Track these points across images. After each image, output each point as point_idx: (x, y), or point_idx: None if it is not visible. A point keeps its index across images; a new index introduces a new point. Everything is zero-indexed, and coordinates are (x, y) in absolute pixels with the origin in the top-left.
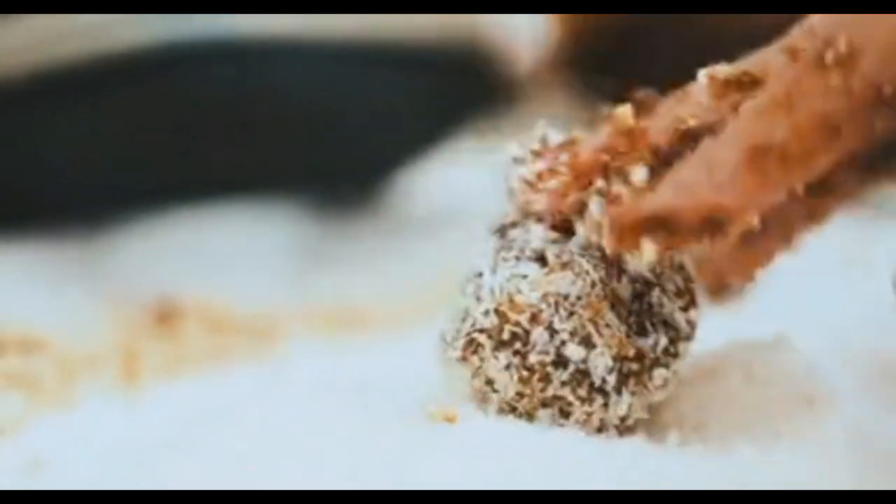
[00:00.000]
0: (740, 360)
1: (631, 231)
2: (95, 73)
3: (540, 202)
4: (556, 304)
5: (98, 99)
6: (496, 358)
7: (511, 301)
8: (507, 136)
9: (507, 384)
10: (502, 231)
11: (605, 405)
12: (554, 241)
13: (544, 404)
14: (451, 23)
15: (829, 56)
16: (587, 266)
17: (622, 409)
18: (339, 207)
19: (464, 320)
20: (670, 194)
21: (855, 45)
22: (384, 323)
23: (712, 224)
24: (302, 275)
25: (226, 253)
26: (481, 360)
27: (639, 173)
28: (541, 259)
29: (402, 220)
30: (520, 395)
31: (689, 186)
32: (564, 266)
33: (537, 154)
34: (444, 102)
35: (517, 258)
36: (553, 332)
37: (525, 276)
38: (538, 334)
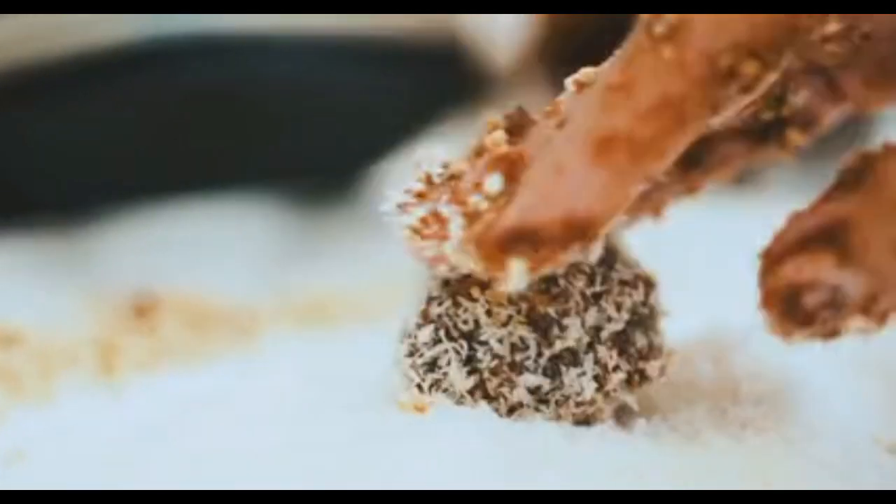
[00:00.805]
0: (712, 348)
1: (495, 251)
2: (73, 69)
3: (429, 249)
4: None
5: (76, 95)
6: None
7: None
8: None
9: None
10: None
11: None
12: None
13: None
14: (429, 19)
15: (658, 29)
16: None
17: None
18: (318, 201)
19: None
20: (526, 206)
21: (684, 15)
22: (361, 315)
23: (576, 231)
24: (280, 268)
25: (204, 246)
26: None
27: (492, 182)
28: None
29: (380, 214)
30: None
31: (542, 195)
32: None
33: (419, 196)
34: (422, 98)
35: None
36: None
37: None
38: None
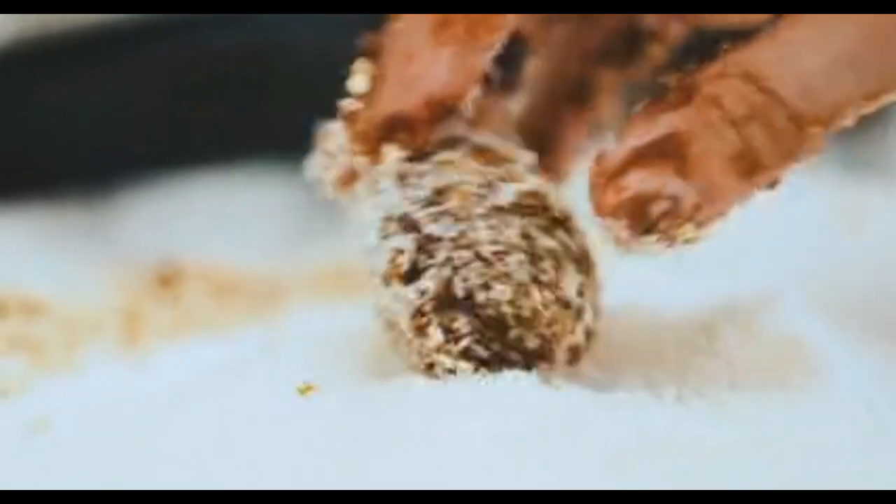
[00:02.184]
0: (734, 317)
1: (374, 143)
2: (95, 38)
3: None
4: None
5: (100, 64)
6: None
7: None
8: None
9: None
10: None
11: None
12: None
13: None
14: None
15: None
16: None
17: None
18: None
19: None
20: (389, 96)
21: None
22: None
23: (439, 108)
24: (303, 237)
25: (227, 216)
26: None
27: (356, 83)
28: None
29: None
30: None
31: (401, 83)
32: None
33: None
34: None
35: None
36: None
37: None
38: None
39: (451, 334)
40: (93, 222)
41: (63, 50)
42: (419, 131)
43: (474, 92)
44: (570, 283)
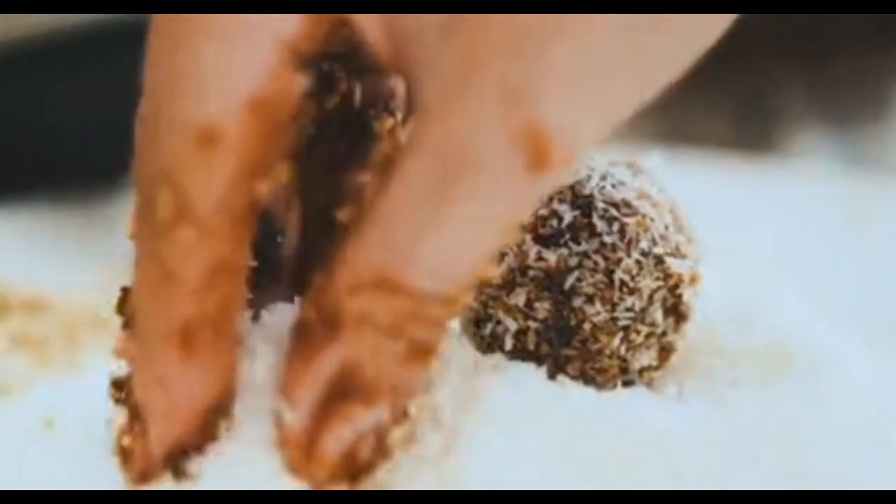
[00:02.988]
0: (735, 316)
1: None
2: (99, 35)
3: None
4: None
5: (100, 60)
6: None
7: None
8: None
9: None
10: None
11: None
12: None
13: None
14: None
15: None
16: None
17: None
18: None
19: None
20: (155, 430)
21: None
22: None
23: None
24: None
25: None
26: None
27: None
28: None
29: None
30: None
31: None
32: None
33: None
34: None
35: None
36: None
37: None
38: None
39: (529, 308)
40: (95, 220)
41: (65, 48)
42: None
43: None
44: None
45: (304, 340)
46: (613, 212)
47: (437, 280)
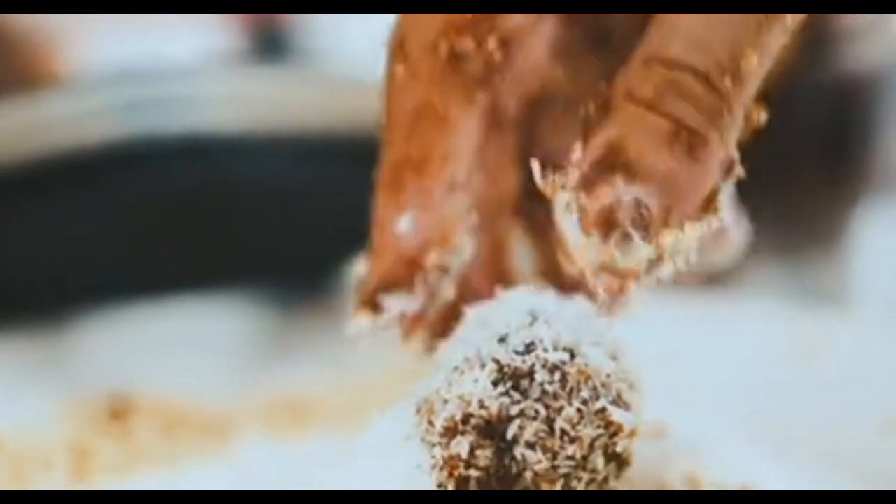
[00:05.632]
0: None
1: (370, 303)
2: (52, 169)
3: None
4: None
5: (50, 196)
6: None
7: None
8: None
9: None
10: None
11: None
12: None
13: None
14: None
15: (388, 51)
16: None
17: None
18: (293, 302)
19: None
20: (374, 267)
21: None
22: (334, 419)
23: (415, 264)
24: (255, 370)
25: (179, 347)
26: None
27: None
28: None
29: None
30: None
31: (378, 251)
32: None
33: None
34: None
35: None
36: None
37: None
38: None
39: (472, 457)
40: (44, 354)
41: (18, 180)
42: (407, 287)
43: (455, 237)
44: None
45: (584, 127)
46: (555, 360)
47: (693, 52)
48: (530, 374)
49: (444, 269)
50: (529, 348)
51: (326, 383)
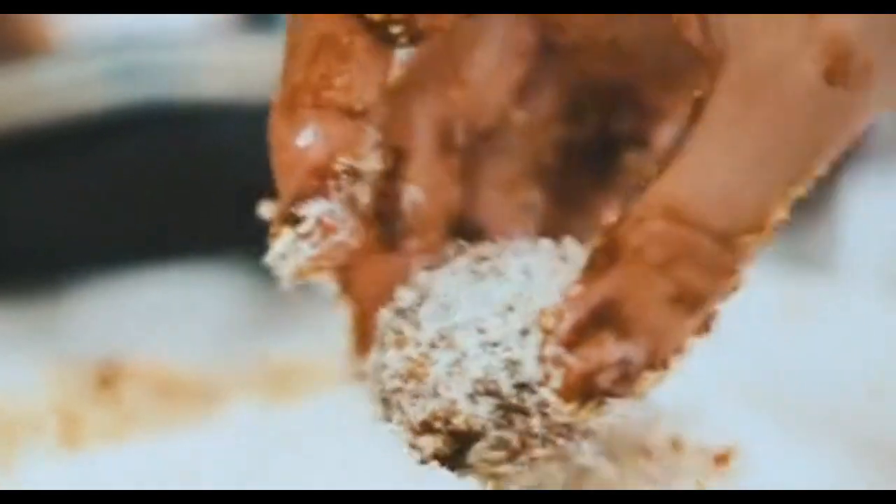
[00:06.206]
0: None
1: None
2: (45, 137)
3: None
4: None
5: (39, 163)
6: None
7: None
8: None
9: None
10: None
11: None
12: None
13: None
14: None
15: None
16: None
17: None
18: None
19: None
20: (284, 185)
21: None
22: (324, 385)
23: (319, 175)
24: (244, 336)
25: (168, 314)
26: None
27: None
28: None
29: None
30: None
31: (285, 172)
32: None
33: None
34: None
35: None
36: None
37: None
38: None
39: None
40: (33, 322)
41: (7, 150)
42: (322, 193)
43: (361, 147)
44: None
45: (587, 267)
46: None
47: (720, 214)
48: (526, 413)
49: (356, 174)
50: (529, 388)
51: (316, 351)
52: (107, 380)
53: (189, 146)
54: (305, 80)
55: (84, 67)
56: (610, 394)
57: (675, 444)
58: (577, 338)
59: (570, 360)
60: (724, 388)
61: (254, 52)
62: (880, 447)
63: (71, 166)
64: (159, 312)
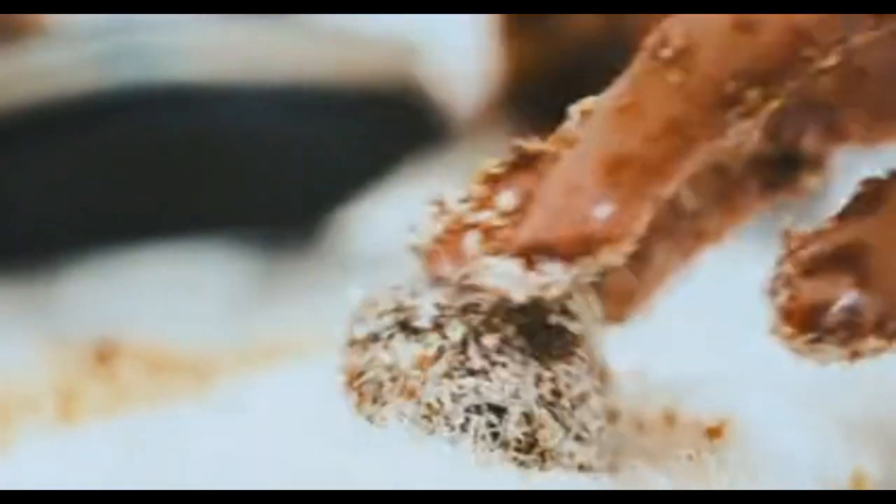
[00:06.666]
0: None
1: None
2: (39, 118)
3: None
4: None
5: (36, 142)
6: None
7: None
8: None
9: None
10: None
11: None
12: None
13: None
14: (386, 64)
15: (665, 53)
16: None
17: None
18: (280, 248)
19: None
20: (539, 223)
21: (690, 41)
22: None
23: (587, 248)
24: (242, 314)
25: (165, 292)
26: None
27: (504, 199)
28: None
29: (342, 259)
30: None
31: (555, 213)
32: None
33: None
34: (383, 144)
35: None
36: None
37: None
38: None
39: None
40: (30, 298)
41: (4, 127)
42: (566, 262)
43: (630, 240)
44: None
45: (846, 208)
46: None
47: None
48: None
49: (599, 270)
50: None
51: (311, 328)
52: (104, 358)
53: (183, 127)
54: (637, 156)
55: (76, 49)
56: (829, 336)
57: (669, 418)
58: (815, 268)
59: (801, 284)
60: (718, 362)
61: (247, 33)
62: (869, 419)
63: (66, 147)
64: (155, 291)
